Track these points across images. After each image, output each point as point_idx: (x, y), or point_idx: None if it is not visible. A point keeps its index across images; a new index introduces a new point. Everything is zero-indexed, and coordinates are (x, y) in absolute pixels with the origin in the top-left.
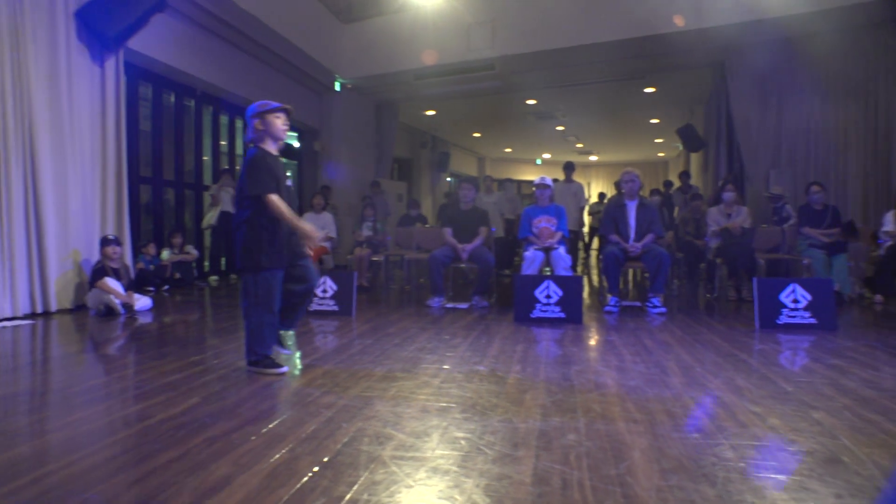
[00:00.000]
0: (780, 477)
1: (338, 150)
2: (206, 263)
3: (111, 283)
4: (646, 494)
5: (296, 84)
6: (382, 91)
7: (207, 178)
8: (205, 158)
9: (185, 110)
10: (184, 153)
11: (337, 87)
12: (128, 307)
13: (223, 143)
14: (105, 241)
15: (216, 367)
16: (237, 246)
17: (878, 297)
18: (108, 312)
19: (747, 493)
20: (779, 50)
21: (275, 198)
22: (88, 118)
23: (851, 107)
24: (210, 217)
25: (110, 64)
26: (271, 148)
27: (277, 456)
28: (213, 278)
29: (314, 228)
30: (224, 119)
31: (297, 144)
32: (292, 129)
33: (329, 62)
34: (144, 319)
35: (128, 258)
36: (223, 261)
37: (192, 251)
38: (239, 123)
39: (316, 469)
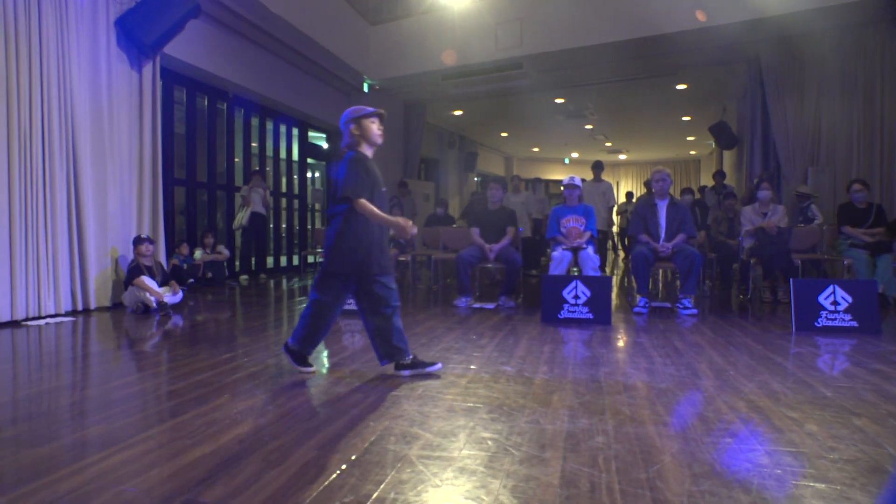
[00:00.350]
0: (820, 485)
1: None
2: (237, 263)
3: (147, 280)
4: (676, 500)
5: (325, 85)
6: (410, 91)
7: (239, 179)
8: (236, 160)
9: (218, 113)
10: (216, 155)
11: (365, 88)
12: (161, 305)
13: (254, 144)
14: (138, 240)
15: (246, 365)
16: (329, 243)
17: None
18: (145, 310)
19: (784, 500)
20: (818, 44)
21: (363, 201)
22: (127, 122)
23: (894, 103)
24: (241, 217)
25: (147, 69)
26: (367, 152)
27: (306, 453)
28: (244, 278)
29: (407, 220)
30: (255, 121)
31: (325, 146)
32: (319, 129)
33: (357, 63)
34: (177, 318)
35: (161, 257)
36: (253, 260)
37: (224, 251)
38: (270, 125)
39: (344, 467)
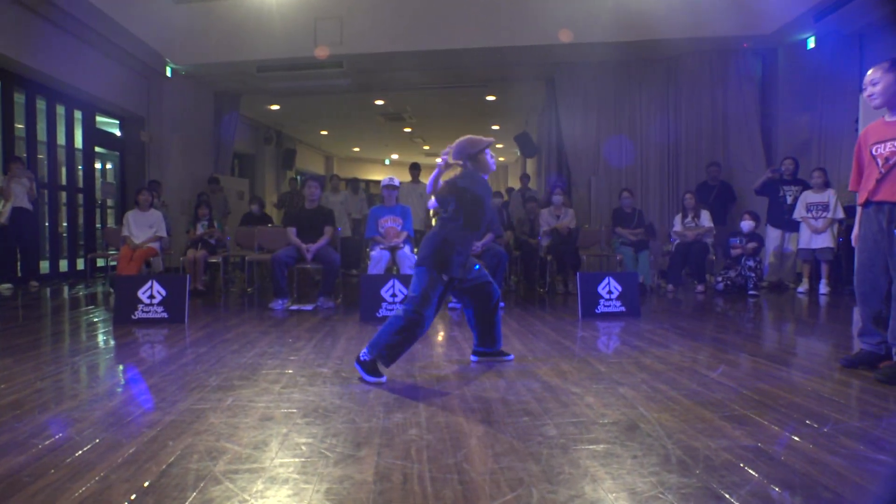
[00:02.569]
0: (594, 447)
1: (168, 142)
2: None
3: None
4: (481, 479)
5: (118, 64)
6: (222, 81)
7: None
8: None
9: None
10: None
11: (168, 72)
12: None
13: (19, 126)
14: None
15: (4, 393)
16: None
17: (670, 287)
18: None
19: (566, 465)
20: (599, 69)
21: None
22: None
23: (651, 124)
24: None
25: None
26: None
27: (84, 489)
28: (6, 286)
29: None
30: (19, 98)
31: (118, 133)
32: (112, 115)
33: (158, 44)
34: None
35: None
36: (18, 265)
37: None
38: (42, 105)
39: (133, 497)
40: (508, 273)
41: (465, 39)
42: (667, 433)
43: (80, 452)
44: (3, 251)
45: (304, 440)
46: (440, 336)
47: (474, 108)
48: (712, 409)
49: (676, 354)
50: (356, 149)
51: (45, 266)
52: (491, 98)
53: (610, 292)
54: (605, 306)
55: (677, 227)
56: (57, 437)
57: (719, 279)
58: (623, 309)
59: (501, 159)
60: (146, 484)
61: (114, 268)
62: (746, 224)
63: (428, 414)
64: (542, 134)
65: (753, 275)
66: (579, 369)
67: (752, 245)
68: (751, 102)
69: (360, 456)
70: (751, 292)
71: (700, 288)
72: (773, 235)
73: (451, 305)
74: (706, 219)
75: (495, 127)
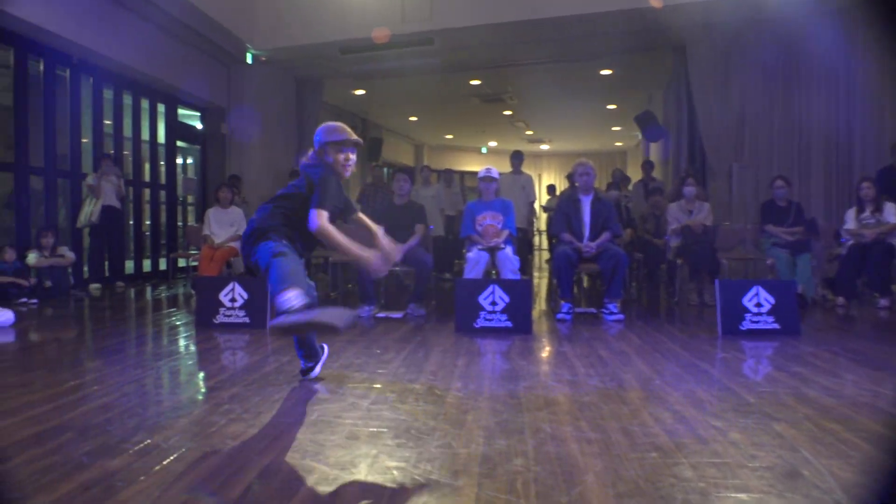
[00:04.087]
0: (742, 496)
1: (249, 134)
2: (86, 269)
3: None
4: None
5: (198, 53)
6: (304, 65)
7: (87, 165)
8: (84, 141)
9: (59, 81)
10: (55, 134)
11: (249, 59)
12: None
13: (107, 122)
14: None
15: (96, 395)
16: None
17: (841, 300)
18: None
19: None
20: (742, 33)
21: None
22: None
23: (814, 97)
24: (89, 212)
25: None
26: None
27: (173, 499)
28: (95, 287)
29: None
30: (108, 94)
31: (199, 126)
32: (192, 107)
33: (240, 30)
34: (4, 338)
35: None
36: (106, 265)
37: (68, 254)
38: (128, 99)
39: None
40: (628, 279)
41: (577, 4)
42: (841, 486)
43: (167, 461)
44: (93, 251)
45: (394, 464)
46: (546, 351)
47: (586, 85)
48: None
49: (851, 386)
50: (449, 136)
51: (129, 266)
52: (606, 72)
53: (759, 305)
54: (752, 322)
55: (850, 224)
56: (146, 442)
57: None
58: (776, 326)
59: (618, 144)
60: (235, 496)
61: (195, 268)
62: None
63: (535, 442)
64: (668, 113)
65: None
66: (720, 398)
67: None
68: None
69: (458, 486)
70: None
71: (884, 302)
72: None
73: (559, 316)
74: (891, 213)
75: (611, 106)
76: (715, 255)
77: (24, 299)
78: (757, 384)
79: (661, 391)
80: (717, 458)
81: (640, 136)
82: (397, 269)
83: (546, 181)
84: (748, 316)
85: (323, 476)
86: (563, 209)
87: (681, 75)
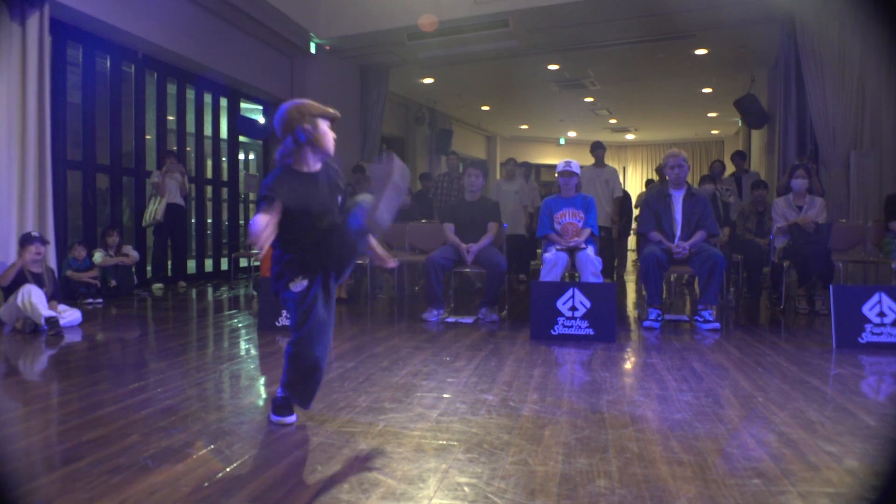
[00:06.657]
0: None
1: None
2: (149, 268)
3: (34, 291)
4: None
5: (260, 44)
6: (369, 54)
7: (151, 162)
8: (147, 138)
9: (124, 78)
10: (121, 131)
11: (313, 49)
12: (51, 322)
13: (171, 118)
14: (27, 239)
15: (160, 398)
16: None
17: None
18: (34, 329)
19: None
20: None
21: None
22: (5, 88)
23: None
24: (153, 211)
25: (33, 21)
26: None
27: None
28: (158, 286)
29: None
30: (172, 89)
31: (261, 120)
32: (255, 100)
33: (304, 19)
34: (72, 337)
35: (51, 261)
36: (169, 264)
37: (132, 253)
38: (191, 94)
39: None
40: (726, 283)
41: None
42: None
43: (230, 468)
44: (156, 250)
45: (466, 480)
46: (631, 363)
47: (678, 66)
48: None
49: None
50: (524, 126)
51: (191, 266)
52: (701, 52)
53: (882, 314)
54: (873, 334)
55: None
56: (209, 448)
57: None
58: None
59: (715, 132)
60: None
61: (257, 268)
62: None
63: (620, 462)
64: (773, 96)
65: None
66: (835, 420)
67: None
68: None
69: None
70: None
71: None
72: None
73: (646, 324)
74: None
75: (707, 90)
76: (829, 256)
77: (90, 299)
78: (879, 405)
79: (764, 410)
80: (829, 487)
81: (739, 123)
82: (468, 270)
83: (631, 174)
84: (869, 327)
85: (390, 490)
86: (651, 206)
87: (789, 52)
